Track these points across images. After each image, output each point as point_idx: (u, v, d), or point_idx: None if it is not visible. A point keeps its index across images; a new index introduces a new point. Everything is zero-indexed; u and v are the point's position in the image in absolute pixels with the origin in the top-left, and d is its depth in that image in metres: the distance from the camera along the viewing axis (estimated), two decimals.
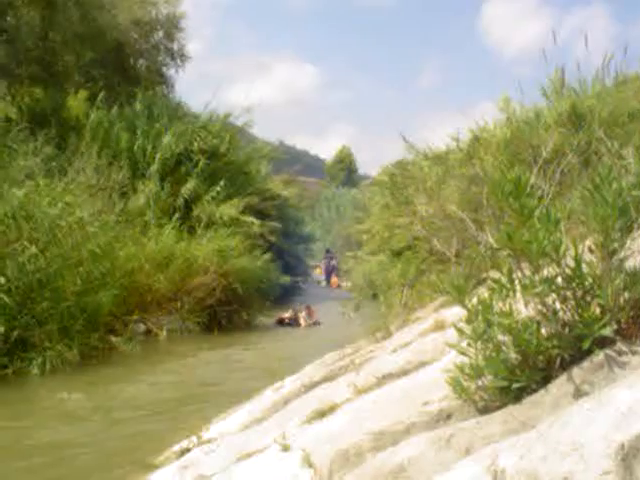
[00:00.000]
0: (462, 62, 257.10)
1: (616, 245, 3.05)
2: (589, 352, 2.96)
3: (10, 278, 10.94)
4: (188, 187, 20.75)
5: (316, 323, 18.44)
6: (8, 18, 22.13)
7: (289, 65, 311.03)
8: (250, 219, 21.37)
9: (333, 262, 39.62)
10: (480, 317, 3.19)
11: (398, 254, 17.62)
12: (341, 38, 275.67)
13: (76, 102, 23.15)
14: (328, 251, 41.41)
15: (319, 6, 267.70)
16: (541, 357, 3.10)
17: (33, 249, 11.47)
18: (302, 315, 18.39)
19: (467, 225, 8.49)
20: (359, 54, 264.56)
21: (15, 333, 10.79)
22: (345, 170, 74.04)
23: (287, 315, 18.29)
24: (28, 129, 17.17)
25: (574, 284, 3.08)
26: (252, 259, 19.24)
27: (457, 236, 9.49)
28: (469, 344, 3.29)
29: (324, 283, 39.04)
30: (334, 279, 38.44)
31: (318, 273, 42.59)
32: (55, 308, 11.49)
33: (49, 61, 22.80)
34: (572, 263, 3.06)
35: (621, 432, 2.18)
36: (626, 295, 3.06)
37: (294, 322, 18.08)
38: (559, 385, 2.94)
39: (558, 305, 3.11)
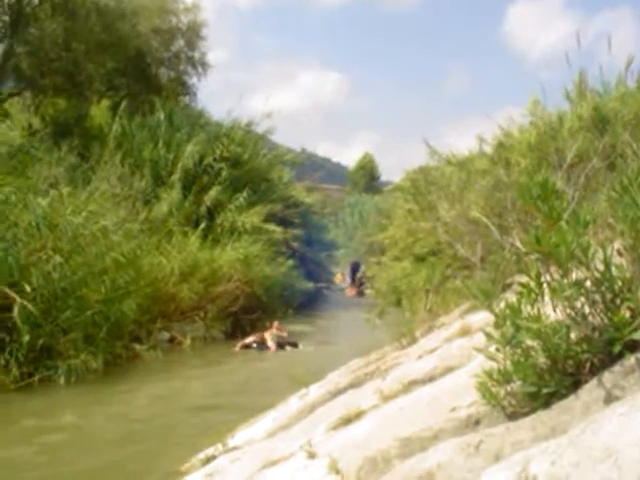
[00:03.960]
0: (487, 66, 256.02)
1: None
2: (620, 356, 2.91)
3: (35, 286, 10.99)
4: (211, 195, 20.78)
5: (291, 344, 15.91)
6: (32, 30, 22.32)
7: (313, 72, 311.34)
8: (272, 227, 21.35)
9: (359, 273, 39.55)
10: (508, 321, 3.15)
11: (422, 260, 17.62)
12: (365, 45, 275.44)
13: (99, 111, 23.31)
14: (355, 263, 41.22)
15: (343, 13, 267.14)
16: (570, 362, 3.06)
17: (57, 258, 11.52)
18: (269, 337, 15.73)
19: (491, 230, 8.44)
20: (383, 60, 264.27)
21: (40, 341, 10.84)
22: (367, 177, 73.83)
23: (251, 339, 15.66)
24: (52, 139, 17.27)
25: (603, 287, 3.03)
26: (275, 266, 19.29)
27: (481, 241, 9.43)
28: (497, 349, 3.25)
29: (349, 289, 39.05)
30: (349, 288, 38.67)
31: (338, 281, 42.63)
32: (79, 316, 11.54)
33: (72, 71, 22.95)
34: (601, 266, 3.02)
35: None
36: None
37: (261, 346, 15.45)
38: (589, 390, 2.90)
39: (587, 309, 3.07)
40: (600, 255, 3.01)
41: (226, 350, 14.97)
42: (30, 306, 10.67)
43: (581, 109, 12.43)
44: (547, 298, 3.11)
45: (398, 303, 20.40)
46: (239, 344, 15.42)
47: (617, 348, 2.89)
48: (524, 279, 3.25)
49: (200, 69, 28.09)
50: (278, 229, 21.62)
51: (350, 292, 37.85)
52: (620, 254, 3.12)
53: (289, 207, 24.91)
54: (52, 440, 7.83)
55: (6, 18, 21.97)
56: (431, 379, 4.63)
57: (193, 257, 16.77)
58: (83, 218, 12.61)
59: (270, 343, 15.50)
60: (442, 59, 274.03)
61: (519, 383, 3.15)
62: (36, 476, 6.58)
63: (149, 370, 12.22)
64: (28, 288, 10.87)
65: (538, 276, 3.12)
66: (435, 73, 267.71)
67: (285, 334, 16.19)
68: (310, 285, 24.50)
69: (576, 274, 3.04)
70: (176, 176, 20.66)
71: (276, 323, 16.30)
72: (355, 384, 5.84)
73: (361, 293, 36.61)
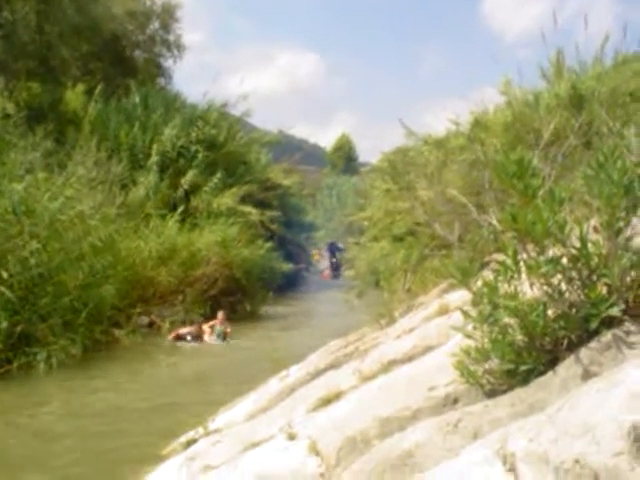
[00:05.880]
0: (465, 46, 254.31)
1: (622, 224, 3.01)
2: (596, 333, 2.92)
3: (12, 273, 10.93)
4: (187, 178, 20.69)
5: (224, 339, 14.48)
6: (4, 13, 22.06)
7: (291, 54, 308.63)
8: (248, 209, 21.27)
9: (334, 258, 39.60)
10: (485, 300, 3.16)
11: (400, 240, 17.63)
12: (343, 25, 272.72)
13: (74, 96, 23.06)
14: (332, 244, 41.29)
15: None
16: (548, 339, 3.07)
17: (34, 244, 11.45)
18: (207, 329, 14.53)
19: (469, 209, 8.45)
20: (361, 41, 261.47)
21: (18, 328, 10.77)
22: (345, 158, 73.71)
23: (187, 330, 14.46)
24: (26, 124, 17.10)
25: (580, 264, 3.03)
26: (254, 249, 19.22)
27: (459, 220, 9.44)
28: (475, 327, 3.26)
29: (327, 272, 39.15)
30: (326, 272, 38.81)
31: (315, 259, 42.77)
32: (58, 302, 11.48)
33: (46, 55, 22.78)
34: (577, 243, 3.02)
35: (632, 413, 2.14)
36: (633, 274, 3.01)
37: (195, 338, 14.20)
38: (567, 367, 2.91)
39: (564, 286, 3.07)
40: (576, 232, 3.01)
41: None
42: (7, 292, 10.61)
43: (558, 87, 12.47)
44: (524, 276, 3.12)
45: (377, 284, 20.42)
46: (172, 333, 14.44)
47: (594, 324, 2.90)
48: (501, 257, 3.25)
49: (175, 51, 28.07)
50: (254, 211, 21.55)
51: (326, 276, 37.99)
52: (596, 231, 3.12)
53: (267, 189, 24.83)
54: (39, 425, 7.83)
55: None
56: (410, 359, 4.64)
57: (171, 241, 16.71)
58: (60, 203, 12.53)
59: (206, 336, 14.39)
60: (420, 39, 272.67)
61: (497, 361, 3.16)
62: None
63: (128, 355, 12.19)
64: (5, 274, 10.82)
65: (515, 254, 3.13)
66: (413, 53, 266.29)
67: (229, 330, 14.72)
68: (289, 267, 24.46)
69: (552, 251, 3.04)
70: (153, 159, 20.56)
71: (221, 314, 14.88)
72: (334, 365, 5.84)
73: (336, 276, 36.71)
